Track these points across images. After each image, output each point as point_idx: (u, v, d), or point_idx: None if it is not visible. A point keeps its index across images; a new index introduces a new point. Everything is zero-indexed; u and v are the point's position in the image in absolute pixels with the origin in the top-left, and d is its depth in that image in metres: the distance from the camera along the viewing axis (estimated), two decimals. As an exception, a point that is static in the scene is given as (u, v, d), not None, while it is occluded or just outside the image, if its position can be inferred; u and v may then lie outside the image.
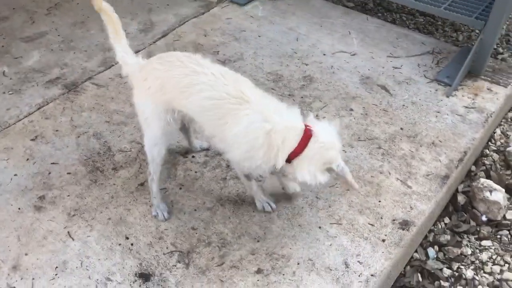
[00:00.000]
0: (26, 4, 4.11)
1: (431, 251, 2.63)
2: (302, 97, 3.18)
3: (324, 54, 3.55)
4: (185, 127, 2.65)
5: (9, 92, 3.22)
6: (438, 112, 3.08)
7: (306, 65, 3.45)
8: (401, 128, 2.95)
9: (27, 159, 2.75)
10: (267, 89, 3.20)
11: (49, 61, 3.50)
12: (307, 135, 2.01)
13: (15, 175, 2.66)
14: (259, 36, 3.73)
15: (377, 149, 2.81)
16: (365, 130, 2.93)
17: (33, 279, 2.16)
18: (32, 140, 2.87)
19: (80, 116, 3.03)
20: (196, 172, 2.68)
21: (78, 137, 2.89)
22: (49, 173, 2.68)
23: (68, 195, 2.56)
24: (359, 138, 2.88)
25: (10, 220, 2.42)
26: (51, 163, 2.73)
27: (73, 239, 2.33)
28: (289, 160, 2.05)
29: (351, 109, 3.09)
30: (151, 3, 4.13)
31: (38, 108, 3.10)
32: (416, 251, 2.60)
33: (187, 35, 3.73)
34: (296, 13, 3.99)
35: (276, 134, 2.00)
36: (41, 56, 3.55)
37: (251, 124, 2.00)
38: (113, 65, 3.39)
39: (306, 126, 2.05)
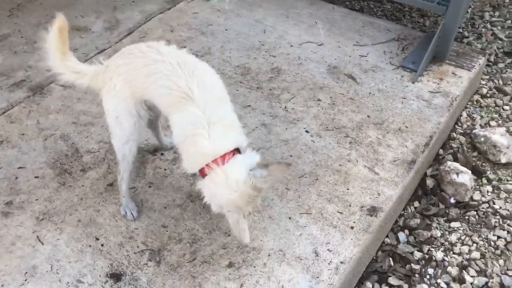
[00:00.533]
0: (-13, 6, 4.02)
1: (402, 235, 2.68)
2: (270, 89, 3.19)
3: (291, 46, 3.56)
4: (153, 125, 2.64)
5: (-28, 97, 3.16)
6: (404, 98, 3.12)
7: (274, 57, 3.46)
8: (368, 116, 2.99)
9: (-7, 165, 2.71)
10: (235, 83, 3.21)
11: (12, 63, 3.43)
12: (212, 163, 1.93)
13: (-20, 182, 2.62)
14: (226, 30, 3.72)
15: (344, 138, 2.84)
16: (332, 120, 2.96)
17: (2, 286, 2.14)
18: (-2, 145, 2.83)
19: (47, 118, 2.99)
20: (165, 169, 2.68)
21: (45, 139, 2.86)
22: (16, 178, 2.64)
23: (36, 199, 2.53)
24: (327, 127, 2.91)
25: (-23, 227, 2.39)
26: (18, 168, 2.69)
27: (42, 243, 2.31)
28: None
29: (319, 99, 3.11)
30: (116, 1, 4.08)
31: (3, 112, 3.04)
32: (387, 236, 2.65)
33: (154, 32, 3.70)
34: (262, 5, 3.99)
35: (191, 145, 1.99)
36: (4, 59, 3.48)
37: (184, 120, 2.01)
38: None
39: (222, 156, 1.94)
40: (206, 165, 1.94)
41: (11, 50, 3.56)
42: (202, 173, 1.98)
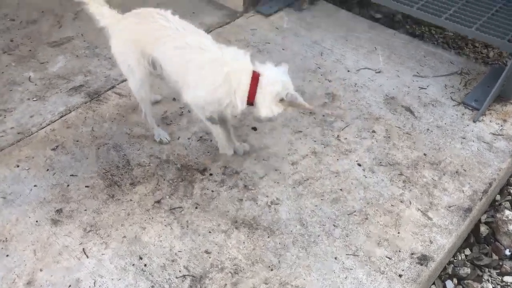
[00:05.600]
0: (54, 7, 4.15)
1: (450, 284, 2.56)
2: (323, 115, 3.13)
3: (348, 71, 3.49)
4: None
5: (34, 99, 3.25)
6: (464, 138, 2.98)
7: (329, 81, 3.39)
8: (425, 154, 2.88)
9: (47, 170, 2.78)
10: (288, 106, 3.16)
11: (73, 67, 3.52)
12: (255, 77, 2.35)
13: (35, 185, 2.69)
14: (283, 49, 3.68)
15: (398, 176, 2.74)
16: (387, 155, 2.87)
17: (47, 296, 2.19)
18: (53, 149, 2.89)
19: (101, 126, 3.04)
20: (212, 191, 2.66)
21: (98, 148, 2.91)
22: (68, 185, 2.70)
23: (85, 210, 2.57)
24: (380, 162, 2.82)
25: (27, 233, 2.45)
26: (70, 175, 2.75)
27: (87, 257, 2.34)
28: (250, 102, 2.40)
29: (374, 131, 3.02)
30: (176, 10, 4.09)
31: (61, 117, 3.12)
32: (434, 283, 2.54)
33: (211, 46, 3.70)
34: (321, 26, 3.93)
35: (232, 76, 2.34)
36: (67, 62, 3.57)
37: (211, 68, 2.36)
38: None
39: (254, 70, 2.38)
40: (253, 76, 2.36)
41: (73, 54, 3.65)
42: (252, 86, 2.38)
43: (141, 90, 2.66)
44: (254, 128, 3.04)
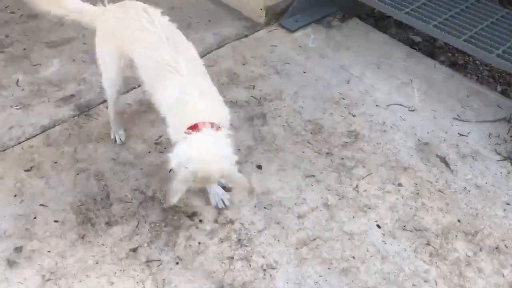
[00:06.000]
0: (59, 2, 3.78)
1: None
2: (342, 159, 2.67)
3: (377, 105, 3.01)
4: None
5: (17, 107, 2.89)
6: (508, 204, 2.49)
7: (354, 116, 2.93)
8: (459, 220, 2.39)
9: (15, 195, 2.41)
10: (302, 142, 2.73)
11: (68, 73, 3.15)
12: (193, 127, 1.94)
13: (-3, 214, 2.32)
14: (304, 72, 3.23)
15: (425, 246, 2.27)
16: (413, 217, 2.40)
17: None
18: (27, 171, 2.52)
19: (85, 147, 2.66)
20: (199, 243, 2.24)
21: (77, 174, 2.52)
22: (35, 217, 2.32)
23: (49, 251, 2.19)
24: (404, 226, 2.35)
25: (-24, 275, 2.08)
26: (40, 205, 2.37)
27: (39, 315, 1.95)
28: None
29: (400, 184, 2.55)
30: (192, 17, 3.71)
31: (43, 131, 2.75)
32: None
33: (224, 61, 3.28)
34: (351, 48, 3.46)
35: (177, 111, 2.04)
36: (61, 66, 3.20)
37: (170, 91, 2.05)
38: (134, 88, 2.99)
39: (197, 124, 1.93)
40: (188, 128, 1.93)
41: (70, 57, 3.28)
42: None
43: (111, 89, 2.48)
44: (259, 167, 2.61)
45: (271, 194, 2.47)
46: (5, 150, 2.63)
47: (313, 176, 2.57)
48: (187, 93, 2.00)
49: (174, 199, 1.90)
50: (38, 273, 2.10)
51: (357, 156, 2.69)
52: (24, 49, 3.34)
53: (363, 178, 2.57)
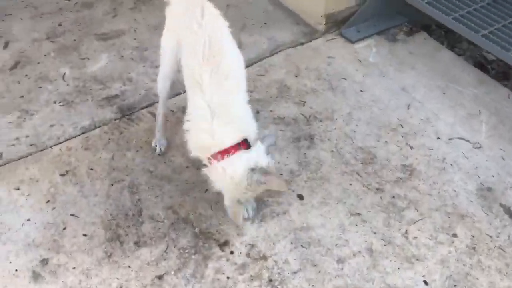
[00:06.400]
0: (115, -8, 3.70)
1: None
2: (393, 197, 2.44)
3: (438, 137, 2.74)
4: None
5: (60, 103, 2.84)
6: None
7: (411, 148, 2.67)
8: (519, 287, 2.13)
9: (48, 201, 2.35)
10: (350, 172, 2.52)
11: (114, 70, 3.06)
12: (212, 158, 1.99)
13: (28, 220, 2.28)
14: (361, 91, 2.99)
15: (476, 314, 2.03)
16: (465, 276, 2.15)
17: None
18: (62, 175, 2.46)
19: (123, 156, 2.56)
20: (228, 278, 2.10)
21: (112, 185, 2.43)
22: (64, 228, 2.25)
23: (74, 267, 2.11)
24: (455, 286, 2.11)
25: (0, 285, 2.04)
26: (71, 214, 2.30)
27: None
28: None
29: (455, 235, 2.30)
30: (247, 17, 3.51)
31: (83, 133, 2.68)
32: None
33: (275, 71, 3.09)
34: (416, 67, 3.16)
35: (194, 135, 2.05)
36: (109, 62, 3.12)
37: (192, 107, 2.06)
38: (179, 94, 2.83)
39: (222, 151, 1.96)
40: (207, 158, 1.99)
41: (119, 53, 3.19)
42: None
43: (162, 83, 2.41)
44: (301, 197, 2.42)
45: (310, 231, 2.29)
46: (44, 150, 2.58)
47: (359, 214, 2.36)
48: (203, 119, 1.98)
49: (239, 219, 2.08)
50: (60, 291, 2.04)
51: (410, 196, 2.44)
52: (75, 40, 3.27)
53: (414, 223, 2.33)
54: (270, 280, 2.10)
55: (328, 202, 2.40)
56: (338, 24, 3.39)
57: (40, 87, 2.92)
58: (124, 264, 2.13)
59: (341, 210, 2.37)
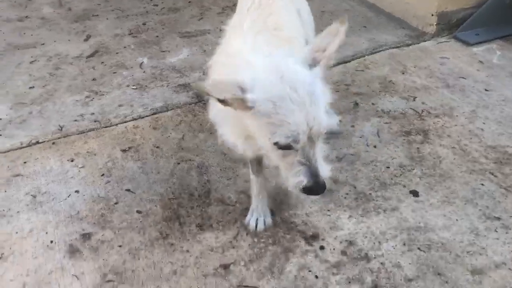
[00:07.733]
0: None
1: None
2: (544, 203, 1.78)
3: None
4: None
5: (133, 87, 2.55)
6: None
7: (561, 150, 2.02)
8: None
9: (102, 174, 1.97)
10: (481, 171, 1.92)
11: (195, 62, 2.77)
12: None
13: (76, 191, 1.89)
14: (486, 90, 2.43)
15: None
16: None
17: None
18: (123, 151, 2.10)
19: (195, 137, 2.17)
20: (316, 276, 1.54)
21: (178, 163, 2.02)
22: (116, 202, 1.84)
23: (120, 245, 1.66)
24: None
25: (30, 256, 1.63)
26: (126, 189, 1.89)
27: (82, 326, 1.40)
28: None
29: None
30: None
31: (153, 113, 2.34)
32: None
33: (378, 67, 2.64)
34: (554, 70, 2.57)
35: None
36: (190, 55, 2.85)
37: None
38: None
39: None
40: None
41: (201, 48, 2.92)
42: None
43: None
44: (414, 193, 1.84)
45: (429, 232, 1.68)
46: (107, 127, 2.26)
47: (498, 219, 1.72)
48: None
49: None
50: (99, 270, 1.58)
51: None
52: (157, 36, 3.07)
53: None
54: (375, 286, 1.50)
55: (452, 201, 1.80)
56: (450, 26, 2.94)
57: (115, 73, 2.69)
58: (182, 247, 1.65)
59: (472, 212, 1.76)
